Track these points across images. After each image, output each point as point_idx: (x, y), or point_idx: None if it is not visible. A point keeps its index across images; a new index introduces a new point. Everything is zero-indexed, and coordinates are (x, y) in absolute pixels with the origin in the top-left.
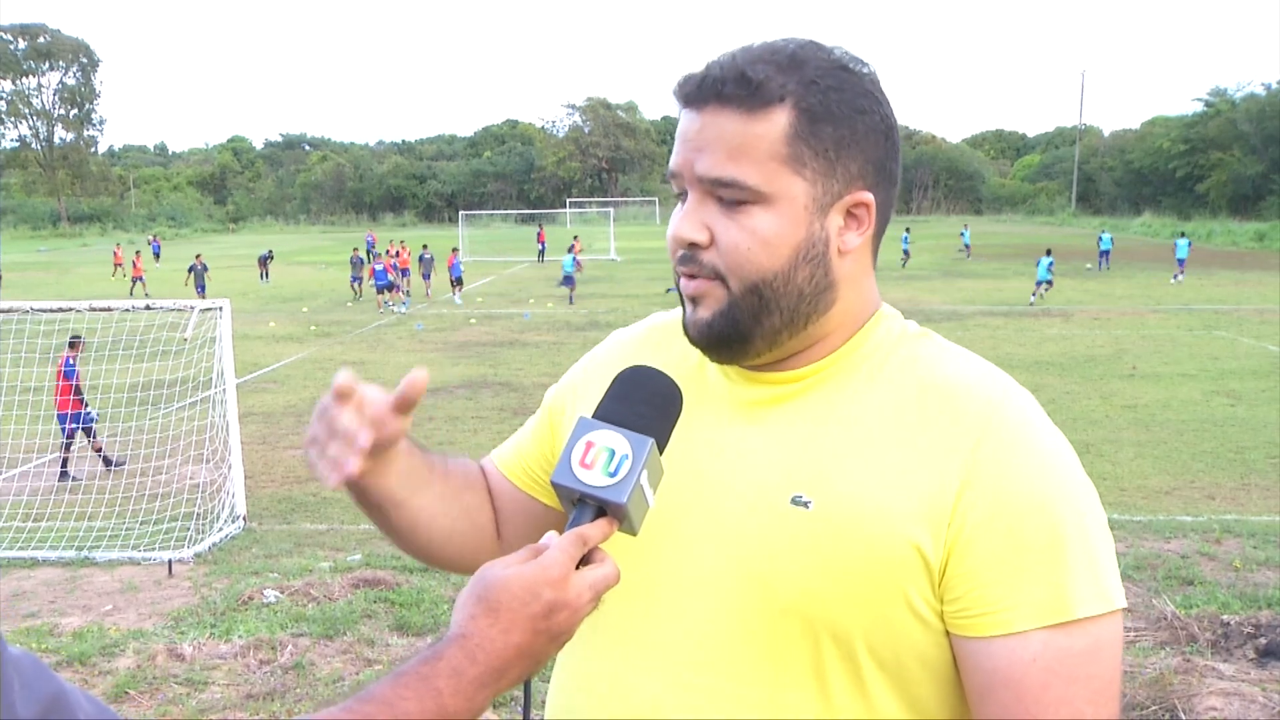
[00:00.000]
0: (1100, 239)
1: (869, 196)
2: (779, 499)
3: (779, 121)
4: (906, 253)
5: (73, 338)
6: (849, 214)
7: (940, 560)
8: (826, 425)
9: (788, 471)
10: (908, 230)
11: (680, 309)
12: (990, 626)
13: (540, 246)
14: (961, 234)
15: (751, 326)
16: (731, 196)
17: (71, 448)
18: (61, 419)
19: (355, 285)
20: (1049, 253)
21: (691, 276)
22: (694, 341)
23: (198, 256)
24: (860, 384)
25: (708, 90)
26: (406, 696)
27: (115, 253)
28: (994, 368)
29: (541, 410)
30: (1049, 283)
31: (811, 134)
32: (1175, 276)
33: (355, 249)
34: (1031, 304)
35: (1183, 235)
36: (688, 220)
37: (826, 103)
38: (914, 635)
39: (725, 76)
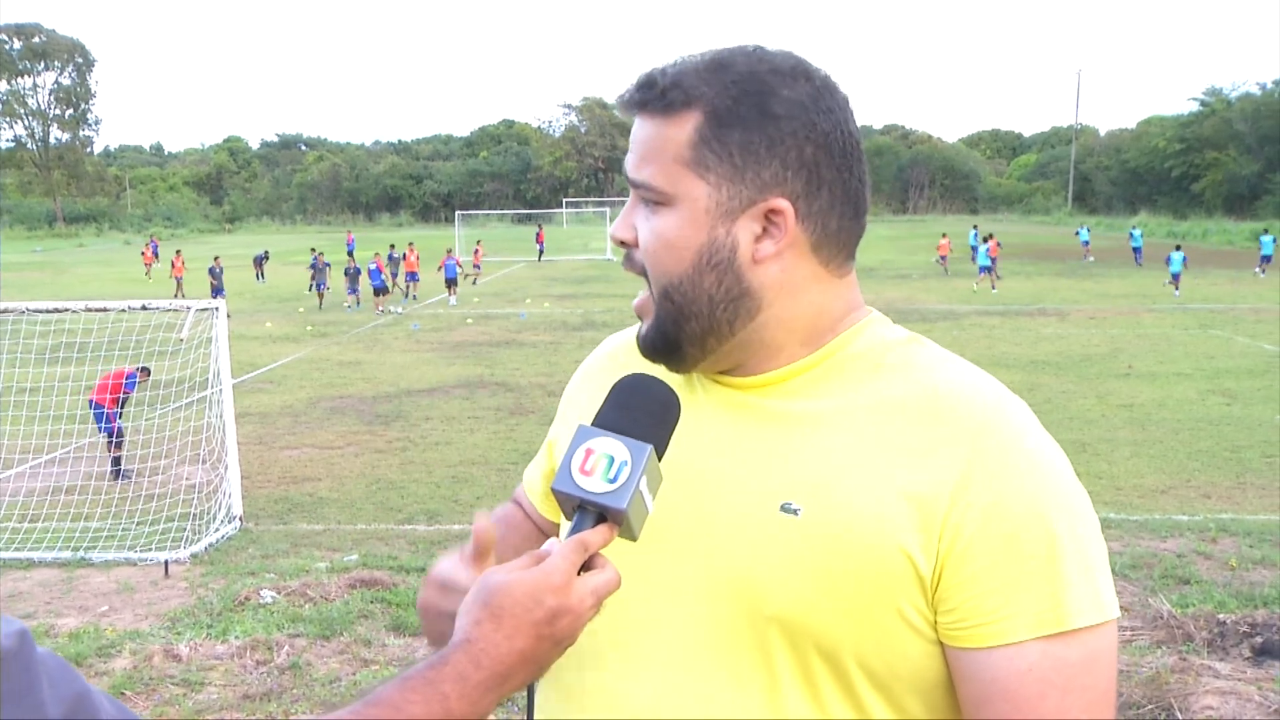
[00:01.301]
0: (1131, 234)
1: (783, 204)
2: (768, 506)
3: (687, 126)
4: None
5: (144, 367)
6: (768, 220)
7: (934, 570)
8: (816, 431)
9: (777, 477)
10: (982, 231)
11: None
12: (987, 637)
13: (539, 247)
14: (1078, 233)
15: (675, 333)
16: (647, 198)
17: (123, 445)
18: (102, 415)
19: (320, 291)
20: (1179, 248)
21: (639, 278)
22: (643, 354)
23: (216, 259)
24: (849, 389)
25: (630, 99)
26: (413, 700)
27: (144, 253)
28: (986, 375)
29: (545, 443)
30: (1177, 277)
31: (715, 138)
32: (1260, 271)
33: (321, 253)
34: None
35: (1265, 231)
36: (620, 220)
37: (736, 108)
38: (905, 645)
39: (641, 84)
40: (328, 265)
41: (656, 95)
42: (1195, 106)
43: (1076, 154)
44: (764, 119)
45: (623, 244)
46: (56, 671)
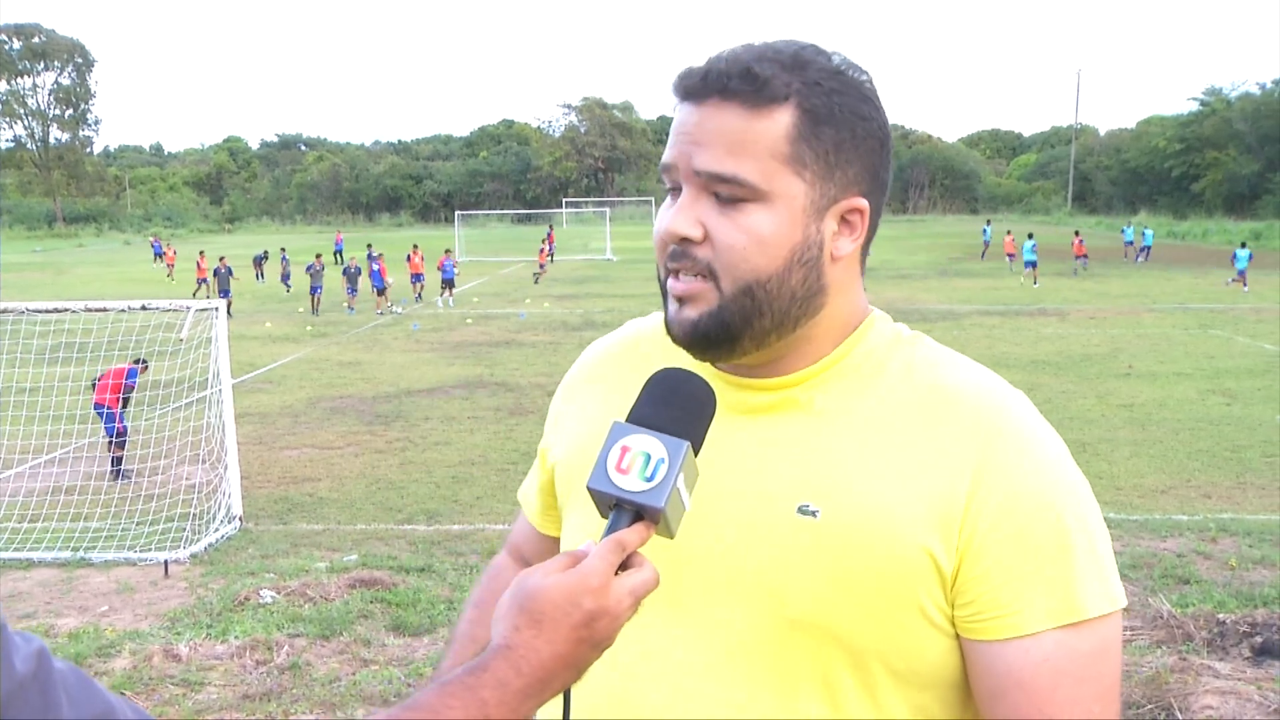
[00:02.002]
0: (1144, 234)
1: (864, 203)
2: (785, 508)
3: (782, 120)
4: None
5: (144, 361)
6: (843, 220)
7: (953, 565)
8: (828, 432)
9: (792, 480)
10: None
11: (660, 311)
12: (1003, 629)
13: (550, 249)
14: (1124, 231)
15: (741, 328)
16: (729, 193)
17: (125, 445)
18: (106, 415)
19: (315, 296)
20: (1244, 245)
21: (680, 274)
22: (677, 340)
23: (221, 259)
24: (859, 389)
25: (711, 84)
26: (453, 705)
27: (168, 255)
28: (987, 370)
29: (538, 456)
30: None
31: (813, 135)
32: None
33: (319, 254)
34: (1228, 285)
35: None
36: (682, 215)
37: (830, 105)
38: (926, 641)
39: (730, 71)
40: (323, 269)
41: (756, 87)
42: (1195, 106)
43: (1076, 154)
44: (854, 118)
45: (684, 240)
46: (77, 689)
